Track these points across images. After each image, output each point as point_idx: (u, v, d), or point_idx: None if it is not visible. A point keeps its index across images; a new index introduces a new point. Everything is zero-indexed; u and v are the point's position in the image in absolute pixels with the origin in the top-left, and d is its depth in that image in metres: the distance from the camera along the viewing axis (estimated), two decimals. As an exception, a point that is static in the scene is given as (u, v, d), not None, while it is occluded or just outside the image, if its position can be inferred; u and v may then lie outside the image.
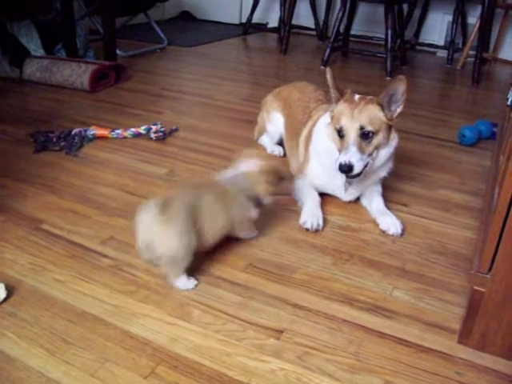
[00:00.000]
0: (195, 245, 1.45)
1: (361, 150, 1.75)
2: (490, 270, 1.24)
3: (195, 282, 1.51)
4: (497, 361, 1.30)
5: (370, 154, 1.79)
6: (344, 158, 1.73)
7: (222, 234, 1.58)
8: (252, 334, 1.32)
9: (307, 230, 1.80)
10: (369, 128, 1.74)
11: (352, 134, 1.75)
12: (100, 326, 1.32)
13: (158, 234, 1.40)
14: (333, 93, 1.85)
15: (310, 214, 1.85)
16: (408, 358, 1.29)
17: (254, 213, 1.66)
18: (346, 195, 1.99)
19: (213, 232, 1.53)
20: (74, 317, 1.34)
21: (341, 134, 1.78)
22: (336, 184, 1.94)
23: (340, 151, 1.78)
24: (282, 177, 1.68)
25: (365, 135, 1.75)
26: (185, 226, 1.42)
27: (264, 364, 1.24)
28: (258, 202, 1.65)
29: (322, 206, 1.94)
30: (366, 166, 1.79)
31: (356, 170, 1.74)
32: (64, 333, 1.29)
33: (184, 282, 1.49)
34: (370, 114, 1.75)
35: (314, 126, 2.01)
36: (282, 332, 1.34)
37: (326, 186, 1.99)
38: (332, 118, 1.84)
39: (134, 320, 1.35)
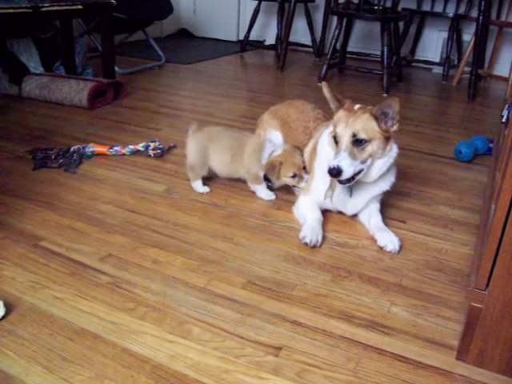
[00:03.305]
0: (206, 162, 2.16)
1: (352, 155, 1.77)
2: (487, 286, 1.25)
3: (207, 189, 2.19)
4: (495, 377, 1.30)
5: (364, 162, 1.81)
6: (334, 162, 1.76)
7: (233, 171, 2.18)
8: (251, 351, 1.32)
9: (306, 244, 1.81)
10: (361, 135, 1.77)
11: (344, 140, 1.78)
12: (99, 343, 1.32)
13: (188, 147, 2.18)
14: (332, 103, 1.89)
15: (310, 229, 1.86)
16: (406, 375, 1.29)
17: (262, 174, 2.13)
18: (350, 209, 2.00)
19: (220, 162, 2.16)
20: (72, 334, 1.34)
21: (336, 140, 1.82)
22: (339, 198, 1.96)
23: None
24: (273, 171, 2.07)
25: (357, 142, 1.77)
26: (201, 146, 2.15)
27: (263, 381, 1.24)
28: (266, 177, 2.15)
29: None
30: (358, 173, 1.81)
31: (345, 174, 1.76)
32: (63, 350, 1.29)
33: (199, 186, 2.18)
34: (364, 123, 1.78)
35: (316, 143, 2.03)
36: (280, 349, 1.34)
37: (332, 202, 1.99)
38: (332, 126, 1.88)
39: (133, 337, 1.35)
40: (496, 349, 1.29)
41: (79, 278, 1.57)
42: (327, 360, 1.31)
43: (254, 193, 2.18)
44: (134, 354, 1.29)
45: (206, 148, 2.15)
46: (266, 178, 2.14)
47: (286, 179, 2.09)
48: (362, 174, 1.83)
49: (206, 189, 2.19)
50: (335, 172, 1.75)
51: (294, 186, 2.15)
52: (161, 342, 1.34)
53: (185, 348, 1.32)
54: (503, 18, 4.65)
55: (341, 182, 1.81)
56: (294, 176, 2.08)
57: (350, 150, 1.77)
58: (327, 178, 1.87)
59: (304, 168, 2.08)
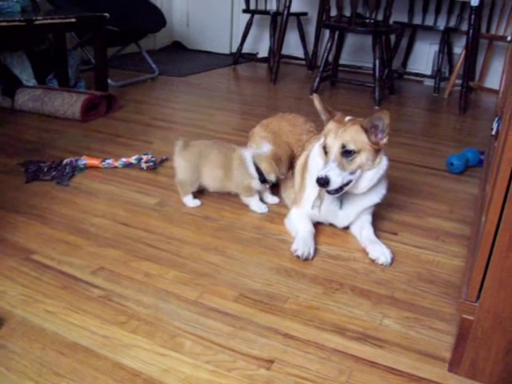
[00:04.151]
0: (198, 178, 2.15)
1: (341, 166, 1.79)
2: (478, 298, 1.26)
3: (198, 203, 2.18)
4: (487, 389, 1.30)
5: (353, 173, 1.82)
6: (322, 172, 1.78)
7: (223, 186, 2.19)
8: (243, 365, 1.32)
9: (298, 257, 1.81)
10: (350, 147, 1.78)
11: (333, 151, 1.80)
12: (90, 357, 1.31)
13: (176, 164, 2.17)
14: (323, 115, 1.91)
15: (302, 242, 1.86)
16: (399, 388, 1.29)
17: (255, 183, 2.14)
18: (341, 221, 2.01)
19: (211, 178, 2.16)
20: (64, 348, 1.34)
21: (326, 150, 1.83)
22: (330, 210, 1.96)
23: None
24: (282, 162, 2.11)
25: (346, 153, 1.79)
26: (190, 163, 2.14)
27: (255, 395, 1.23)
28: (263, 178, 2.14)
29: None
30: (347, 184, 1.82)
31: (333, 184, 1.78)
32: (54, 365, 1.28)
33: (189, 201, 2.17)
34: (353, 134, 1.80)
35: (308, 155, 2.04)
36: (272, 362, 1.34)
37: (321, 213, 2.00)
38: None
39: (125, 351, 1.34)
40: (487, 361, 1.29)
41: (71, 292, 1.57)
42: (319, 373, 1.31)
43: (246, 206, 2.19)
44: (126, 367, 1.29)
45: (197, 164, 2.15)
46: (263, 180, 2.15)
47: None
48: (351, 185, 1.84)
49: (196, 202, 2.18)
50: (323, 182, 1.77)
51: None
52: (153, 355, 1.33)
53: (177, 361, 1.32)
54: (493, 31, 4.70)
55: (329, 192, 1.82)
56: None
57: (339, 161, 1.79)
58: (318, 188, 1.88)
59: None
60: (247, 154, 2.17)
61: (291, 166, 2.16)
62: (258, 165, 2.13)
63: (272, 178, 2.16)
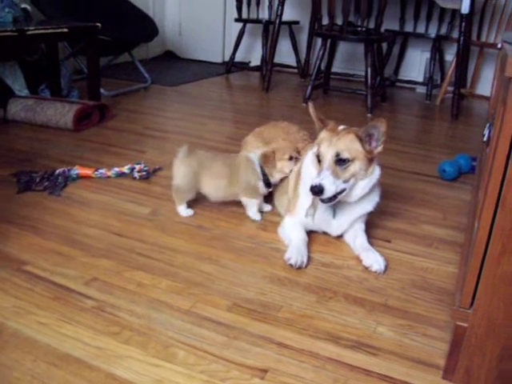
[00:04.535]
0: (195, 187, 2.13)
1: (334, 174, 1.79)
2: (471, 304, 1.26)
3: (191, 212, 2.17)
4: (481, 396, 1.30)
5: (347, 182, 1.82)
6: (316, 180, 1.78)
7: (227, 195, 2.17)
8: (237, 374, 1.31)
9: (291, 266, 1.81)
10: (344, 155, 1.78)
11: (327, 159, 1.80)
12: (83, 368, 1.30)
13: (176, 169, 2.14)
14: (316, 124, 1.91)
15: (296, 250, 1.86)
16: (393, 396, 1.29)
17: (261, 186, 2.15)
18: (334, 229, 2.01)
19: (214, 187, 2.15)
20: (56, 360, 1.33)
21: (319, 159, 1.83)
22: (323, 218, 1.96)
23: None
24: (269, 160, 2.12)
25: (340, 161, 1.79)
26: (190, 170, 2.11)
27: (249, 405, 1.23)
28: (267, 181, 2.15)
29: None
30: (341, 192, 1.82)
31: (327, 192, 1.77)
32: (46, 377, 1.27)
33: (183, 210, 2.17)
34: (347, 143, 1.80)
35: (302, 164, 2.04)
36: (266, 371, 1.33)
37: (315, 221, 2.00)
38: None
39: (118, 362, 1.33)
40: (482, 368, 1.29)
41: (64, 303, 1.56)
42: (314, 382, 1.31)
43: (240, 215, 2.18)
44: (119, 378, 1.28)
45: (197, 173, 2.12)
46: (267, 183, 2.15)
47: (284, 164, 2.12)
48: (345, 193, 1.84)
49: (189, 212, 2.17)
50: (317, 190, 1.77)
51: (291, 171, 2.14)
52: (146, 366, 1.32)
53: (170, 372, 1.31)
54: (483, 39, 4.73)
55: (323, 200, 1.82)
56: (290, 158, 2.12)
57: (333, 169, 1.79)
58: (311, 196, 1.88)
59: (298, 152, 2.14)
60: (253, 156, 2.16)
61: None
62: (262, 167, 2.14)
63: (273, 179, 2.15)
